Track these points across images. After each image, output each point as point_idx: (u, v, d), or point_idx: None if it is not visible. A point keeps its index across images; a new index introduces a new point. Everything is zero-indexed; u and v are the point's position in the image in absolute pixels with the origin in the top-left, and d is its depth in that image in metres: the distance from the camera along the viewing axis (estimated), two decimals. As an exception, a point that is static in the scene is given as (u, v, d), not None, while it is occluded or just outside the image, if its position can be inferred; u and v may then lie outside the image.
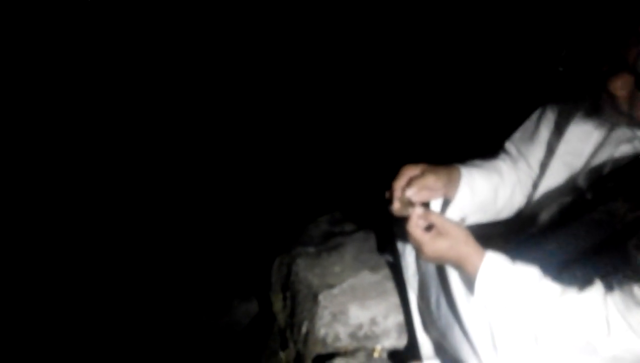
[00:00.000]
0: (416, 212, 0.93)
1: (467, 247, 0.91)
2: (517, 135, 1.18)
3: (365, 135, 2.65)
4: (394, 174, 1.04)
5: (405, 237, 1.23)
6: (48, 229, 2.39)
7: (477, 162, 1.15)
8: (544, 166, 1.08)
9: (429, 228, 0.93)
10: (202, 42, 3.17)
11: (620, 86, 0.81)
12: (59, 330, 1.95)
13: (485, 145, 1.27)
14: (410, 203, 0.97)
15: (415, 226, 0.92)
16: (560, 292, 0.87)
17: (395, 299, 1.42)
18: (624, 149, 0.92)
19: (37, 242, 2.33)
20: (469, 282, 0.94)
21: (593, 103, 0.94)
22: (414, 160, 1.07)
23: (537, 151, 1.11)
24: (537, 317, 0.88)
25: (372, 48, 2.95)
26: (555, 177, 1.05)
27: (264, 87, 3.05)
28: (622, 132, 0.93)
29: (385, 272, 1.50)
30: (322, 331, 1.39)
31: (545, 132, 1.09)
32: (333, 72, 2.98)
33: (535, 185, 1.10)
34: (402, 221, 0.96)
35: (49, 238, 2.35)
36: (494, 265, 0.90)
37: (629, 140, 0.92)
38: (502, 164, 1.16)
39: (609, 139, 0.95)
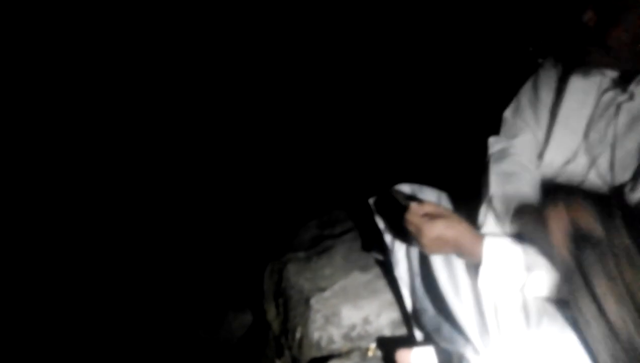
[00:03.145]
0: (413, 204, 0.99)
1: (463, 225, 0.94)
2: (517, 105, 1.15)
3: (351, 138, 2.65)
4: (380, 176, 1.07)
5: (397, 231, 1.24)
6: (46, 232, 2.38)
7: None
8: (548, 135, 1.06)
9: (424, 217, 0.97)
10: (200, 43, 3.17)
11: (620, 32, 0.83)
12: (57, 337, 1.95)
13: (475, 142, 1.26)
14: (406, 199, 1.04)
15: (414, 214, 0.97)
16: None
17: (387, 297, 1.41)
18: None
19: (36, 245, 2.32)
20: (471, 258, 0.95)
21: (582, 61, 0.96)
22: (400, 163, 1.10)
23: (542, 119, 1.09)
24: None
25: (360, 52, 2.96)
26: (561, 144, 1.03)
27: (253, 94, 3.05)
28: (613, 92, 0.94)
29: (376, 270, 1.50)
30: (315, 335, 1.38)
31: (546, 98, 1.08)
32: (321, 78, 2.99)
33: (541, 155, 1.08)
34: (396, 215, 1.00)
35: (47, 242, 2.34)
36: (495, 238, 0.93)
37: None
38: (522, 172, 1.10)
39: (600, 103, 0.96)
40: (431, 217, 0.96)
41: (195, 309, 2.04)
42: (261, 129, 2.89)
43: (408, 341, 1.18)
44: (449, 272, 1.06)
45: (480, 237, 0.94)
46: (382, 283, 1.44)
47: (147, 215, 2.52)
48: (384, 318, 1.37)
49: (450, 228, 0.94)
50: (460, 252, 0.97)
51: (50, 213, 2.51)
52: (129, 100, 3.04)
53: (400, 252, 1.24)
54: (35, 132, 2.84)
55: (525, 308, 0.95)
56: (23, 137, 2.81)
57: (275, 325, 1.63)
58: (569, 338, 0.90)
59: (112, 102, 3.03)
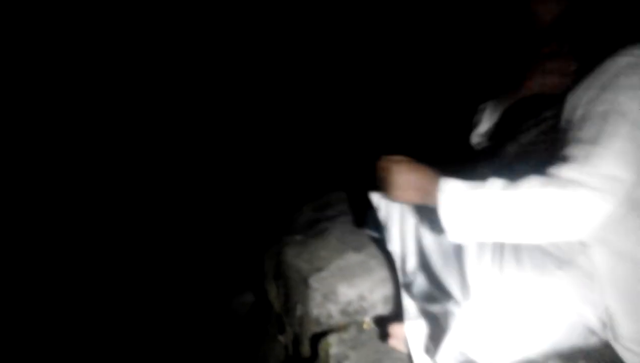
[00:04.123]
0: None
1: (425, 167, 1.08)
2: None
3: (341, 124, 2.73)
4: (370, 159, 1.17)
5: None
6: (49, 229, 2.44)
7: None
8: None
9: None
10: (197, 39, 3.19)
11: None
12: (64, 328, 2.02)
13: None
14: None
15: (384, 159, 1.13)
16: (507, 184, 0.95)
17: (379, 275, 1.52)
18: None
19: (40, 242, 2.38)
20: (432, 198, 1.01)
21: None
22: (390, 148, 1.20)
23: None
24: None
25: (353, 42, 3.01)
26: None
27: (247, 86, 3.10)
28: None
29: (369, 250, 1.60)
30: (315, 311, 1.49)
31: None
32: (311, 68, 3.04)
33: None
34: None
35: (50, 238, 2.40)
36: (451, 180, 1.01)
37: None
38: None
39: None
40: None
41: (200, 292, 2.15)
42: (256, 118, 2.95)
43: (400, 316, 1.29)
44: (437, 242, 1.18)
45: (439, 177, 1.02)
46: (374, 263, 1.55)
47: (149, 207, 2.60)
48: (377, 294, 1.49)
49: (413, 168, 1.08)
50: (422, 191, 1.04)
51: (53, 210, 2.56)
52: (128, 96, 3.07)
53: (394, 228, 1.35)
54: (35, 132, 2.87)
55: (500, 253, 1.06)
56: (23, 137, 2.84)
57: (277, 304, 1.74)
58: (546, 282, 1.00)
59: (112, 102, 3.06)
